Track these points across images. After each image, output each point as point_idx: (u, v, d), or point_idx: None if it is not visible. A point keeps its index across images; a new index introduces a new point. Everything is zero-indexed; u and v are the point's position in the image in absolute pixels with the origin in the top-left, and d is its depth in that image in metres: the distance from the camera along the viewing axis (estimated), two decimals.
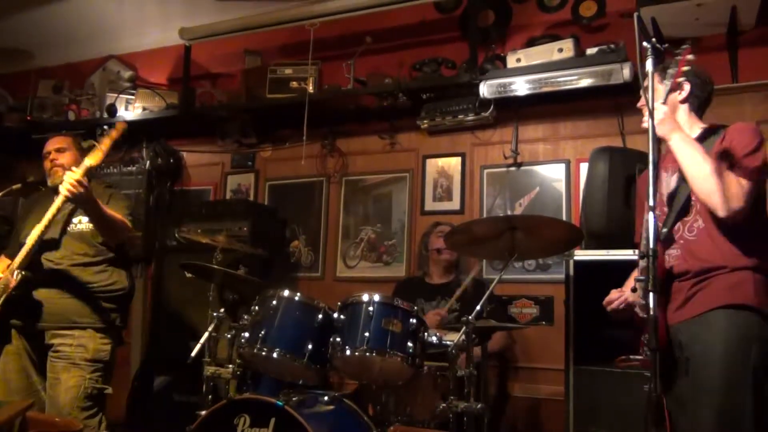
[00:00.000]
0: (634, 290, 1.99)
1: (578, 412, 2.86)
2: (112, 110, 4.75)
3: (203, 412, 2.71)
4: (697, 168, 1.96)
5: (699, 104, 2.23)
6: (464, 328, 2.53)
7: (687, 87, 2.19)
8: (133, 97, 4.85)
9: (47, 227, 2.75)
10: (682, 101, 2.21)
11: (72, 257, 2.89)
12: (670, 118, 2.04)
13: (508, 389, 3.73)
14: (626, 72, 3.41)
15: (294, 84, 4.34)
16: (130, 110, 4.81)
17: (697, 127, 2.19)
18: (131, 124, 4.69)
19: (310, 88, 4.28)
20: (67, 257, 2.88)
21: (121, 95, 4.86)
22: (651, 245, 1.58)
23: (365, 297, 2.72)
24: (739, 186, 1.94)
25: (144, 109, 4.77)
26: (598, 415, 2.78)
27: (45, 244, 2.82)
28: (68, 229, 2.92)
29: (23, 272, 2.73)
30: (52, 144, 3.14)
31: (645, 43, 1.80)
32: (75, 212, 2.94)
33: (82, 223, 2.93)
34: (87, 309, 2.85)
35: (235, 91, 4.74)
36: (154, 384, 3.81)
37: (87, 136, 4.70)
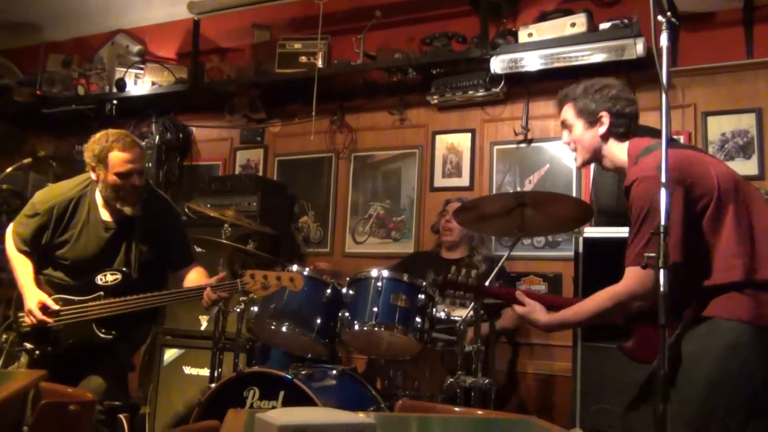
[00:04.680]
0: None
1: (586, 389, 2.87)
2: (121, 85, 4.75)
3: (213, 385, 2.75)
4: (592, 314, 1.97)
5: (624, 131, 2.07)
6: (472, 304, 2.54)
7: (606, 120, 2.06)
8: (142, 71, 4.85)
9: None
10: (603, 137, 2.08)
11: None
12: (533, 313, 2.08)
13: (516, 365, 3.74)
14: (639, 47, 3.37)
15: (303, 59, 4.31)
16: (140, 85, 4.81)
17: (621, 156, 2.06)
18: (141, 99, 4.75)
19: (320, 63, 4.25)
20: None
21: (130, 70, 4.85)
22: (663, 221, 1.57)
23: (374, 272, 2.74)
24: (628, 273, 1.87)
25: (153, 83, 4.76)
26: (605, 392, 2.79)
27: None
28: (131, 258, 2.77)
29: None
30: (137, 162, 2.69)
31: (659, 18, 1.76)
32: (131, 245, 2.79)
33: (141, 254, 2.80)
34: None
35: (244, 65, 4.72)
36: (164, 357, 3.85)
37: (96, 110, 4.76)
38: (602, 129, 2.07)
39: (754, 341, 1.75)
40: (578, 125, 2.11)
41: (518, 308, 2.13)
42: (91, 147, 2.69)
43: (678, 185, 1.79)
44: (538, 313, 2.09)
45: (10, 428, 1.82)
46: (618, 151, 2.07)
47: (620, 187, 3.04)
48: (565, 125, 2.18)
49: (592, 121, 2.08)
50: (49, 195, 2.80)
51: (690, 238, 1.81)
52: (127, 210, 2.72)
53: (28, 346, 2.65)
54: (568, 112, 2.15)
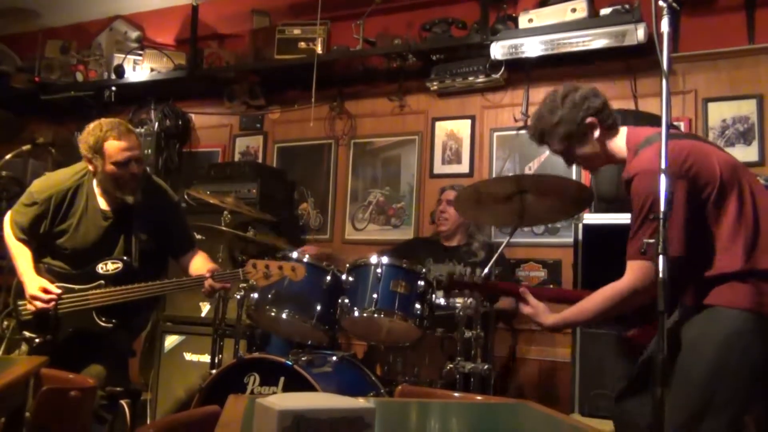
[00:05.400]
0: None
1: (584, 375, 2.89)
2: (119, 71, 4.73)
3: (214, 371, 2.76)
4: (597, 313, 1.96)
5: (610, 124, 2.05)
6: None
7: (595, 124, 2.03)
8: (140, 57, 4.82)
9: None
10: (600, 140, 2.05)
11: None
12: (537, 315, 2.10)
13: (515, 351, 3.76)
14: (640, 33, 3.35)
15: (302, 45, 4.29)
16: (138, 71, 4.79)
17: (621, 148, 2.05)
18: (139, 85, 4.73)
19: (319, 49, 4.23)
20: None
21: (128, 56, 4.83)
22: (662, 207, 1.57)
23: (374, 259, 2.75)
24: (630, 267, 1.87)
25: (152, 70, 4.74)
26: (604, 378, 2.81)
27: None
28: (131, 247, 2.76)
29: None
30: (134, 150, 2.66)
31: (661, 3, 1.74)
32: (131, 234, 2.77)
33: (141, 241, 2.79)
34: None
35: (242, 51, 4.69)
36: (165, 344, 3.87)
37: (95, 97, 4.74)
38: (597, 133, 2.04)
39: (755, 329, 1.76)
40: (573, 148, 2.08)
41: (524, 308, 2.14)
42: (86, 139, 2.65)
43: (681, 179, 1.78)
44: (542, 315, 2.10)
45: (11, 414, 1.83)
46: (618, 144, 2.06)
47: (620, 174, 3.06)
48: (560, 155, 2.14)
49: (582, 134, 2.04)
50: (46, 184, 2.79)
51: (693, 229, 1.81)
52: (128, 199, 2.70)
53: (28, 334, 2.65)
54: (555, 145, 2.11)
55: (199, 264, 2.83)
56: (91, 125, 2.68)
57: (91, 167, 2.70)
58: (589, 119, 2.02)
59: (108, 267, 2.69)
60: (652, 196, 1.77)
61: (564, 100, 2.05)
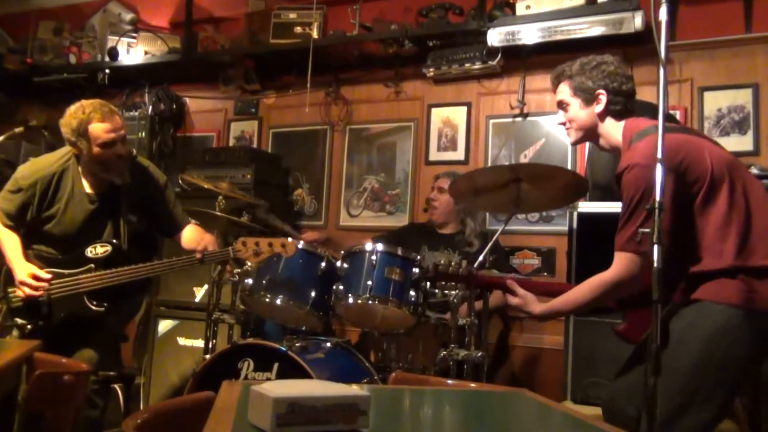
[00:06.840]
0: None
1: (577, 362, 2.90)
2: (113, 54, 4.69)
3: (208, 356, 2.76)
4: (584, 302, 1.98)
5: (621, 109, 2.05)
6: None
7: (603, 99, 2.04)
8: (134, 40, 4.78)
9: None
10: (600, 115, 2.06)
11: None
12: (526, 305, 2.12)
13: (509, 339, 3.78)
14: (638, 21, 3.34)
15: (298, 29, 4.26)
16: (132, 54, 4.74)
17: (616, 136, 2.05)
18: (133, 68, 4.69)
19: (315, 34, 4.20)
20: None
21: (122, 38, 4.78)
22: (658, 197, 1.57)
23: (368, 246, 2.74)
24: (618, 258, 1.88)
25: (146, 53, 4.70)
26: (596, 365, 2.82)
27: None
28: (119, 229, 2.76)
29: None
30: (119, 130, 2.63)
31: None
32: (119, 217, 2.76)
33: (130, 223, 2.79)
34: None
35: (237, 35, 4.65)
36: (159, 328, 3.87)
37: (89, 79, 4.70)
38: (599, 107, 2.05)
39: (743, 325, 1.76)
40: (574, 104, 2.09)
41: (511, 300, 2.16)
42: (68, 122, 2.60)
43: (670, 173, 1.77)
44: (530, 304, 2.13)
45: (4, 398, 1.82)
46: (614, 131, 2.06)
47: (616, 163, 3.05)
48: (560, 104, 2.15)
49: (589, 99, 2.06)
50: (31, 170, 2.76)
51: (680, 223, 1.81)
52: (117, 180, 2.70)
53: (19, 321, 2.63)
54: (564, 91, 2.12)
55: (192, 236, 2.85)
56: (72, 108, 2.63)
57: (75, 150, 2.68)
58: (600, 90, 2.04)
59: (97, 250, 2.68)
60: (642, 189, 1.78)
61: (599, 65, 2.07)
